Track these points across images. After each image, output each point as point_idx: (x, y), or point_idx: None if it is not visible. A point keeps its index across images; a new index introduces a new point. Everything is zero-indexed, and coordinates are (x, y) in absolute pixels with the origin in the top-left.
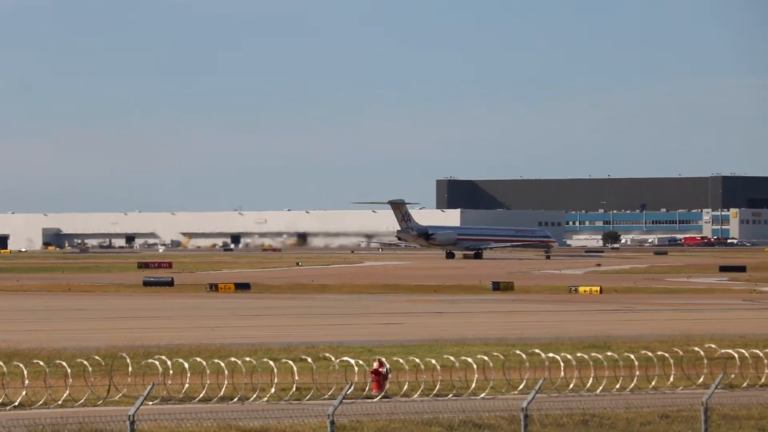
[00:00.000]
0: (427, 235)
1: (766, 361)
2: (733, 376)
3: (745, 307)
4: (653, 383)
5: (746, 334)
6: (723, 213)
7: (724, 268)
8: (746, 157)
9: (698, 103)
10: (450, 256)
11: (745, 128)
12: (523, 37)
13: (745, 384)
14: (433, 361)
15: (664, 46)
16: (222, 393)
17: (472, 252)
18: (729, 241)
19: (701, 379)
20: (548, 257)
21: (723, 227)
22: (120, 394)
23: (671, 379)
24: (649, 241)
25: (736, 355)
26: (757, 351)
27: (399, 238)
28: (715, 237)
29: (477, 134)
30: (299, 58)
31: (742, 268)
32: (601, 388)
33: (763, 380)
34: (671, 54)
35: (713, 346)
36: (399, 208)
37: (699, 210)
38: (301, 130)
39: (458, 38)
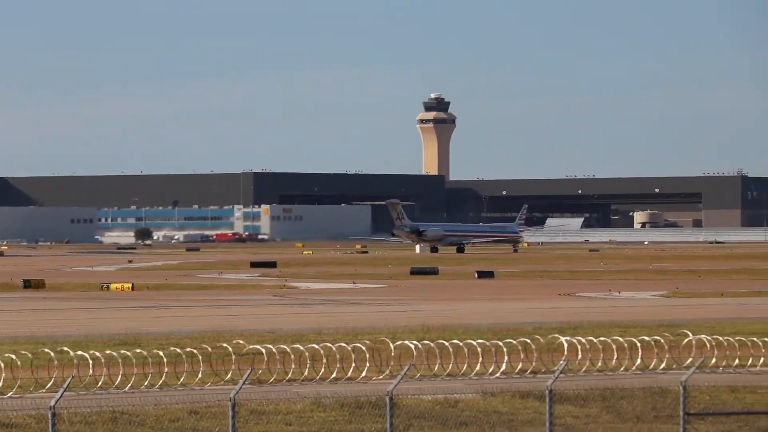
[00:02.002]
0: (419, 232)
1: (293, 356)
2: (260, 371)
3: (275, 303)
4: (182, 380)
5: (275, 330)
6: (254, 209)
7: (255, 264)
8: (277, 154)
9: (240, 98)
10: (434, 250)
11: (278, 125)
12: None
13: (272, 379)
14: None
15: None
16: None
17: (455, 246)
18: (260, 236)
19: (229, 375)
20: (516, 251)
21: (254, 223)
22: None
23: (200, 375)
24: (175, 237)
25: (264, 351)
26: (285, 346)
27: (393, 234)
28: (247, 233)
29: (7, 132)
30: None
31: (272, 264)
32: (130, 385)
33: (290, 375)
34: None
35: (242, 342)
36: (395, 207)
37: (231, 206)
38: None
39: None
